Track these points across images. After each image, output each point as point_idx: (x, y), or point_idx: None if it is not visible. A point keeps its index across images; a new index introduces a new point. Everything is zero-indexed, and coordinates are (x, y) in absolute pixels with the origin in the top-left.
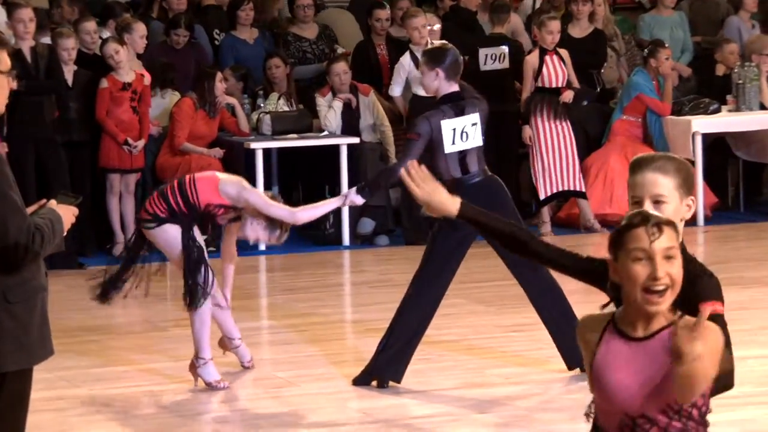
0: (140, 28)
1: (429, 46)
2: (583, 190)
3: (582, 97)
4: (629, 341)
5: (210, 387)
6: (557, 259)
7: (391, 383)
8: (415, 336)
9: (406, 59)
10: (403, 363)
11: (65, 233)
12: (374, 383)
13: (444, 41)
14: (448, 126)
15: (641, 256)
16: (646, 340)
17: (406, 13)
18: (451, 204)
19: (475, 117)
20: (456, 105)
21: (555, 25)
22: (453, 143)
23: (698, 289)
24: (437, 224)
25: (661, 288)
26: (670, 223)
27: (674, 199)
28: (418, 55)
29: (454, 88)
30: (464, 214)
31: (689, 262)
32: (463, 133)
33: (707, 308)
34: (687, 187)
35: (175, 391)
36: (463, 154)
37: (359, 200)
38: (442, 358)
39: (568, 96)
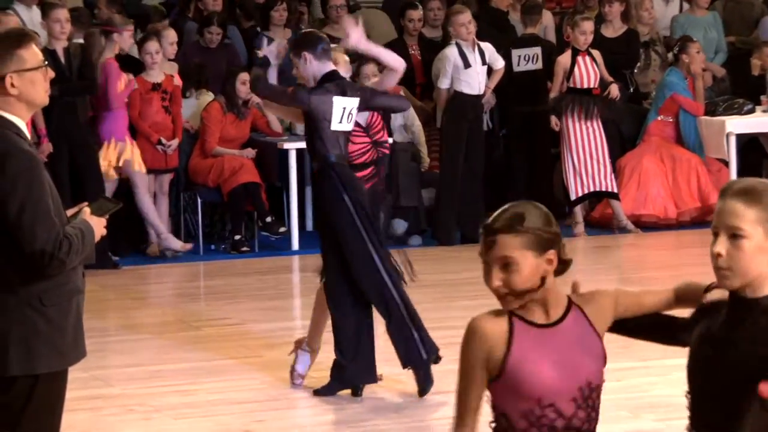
0: (170, 35)
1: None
2: (616, 190)
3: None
4: (531, 329)
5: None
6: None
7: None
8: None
9: (452, 52)
10: (371, 363)
11: (95, 243)
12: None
13: (311, 29)
14: (339, 103)
15: (483, 260)
16: (554, 325)
17: (451, 11)
18: None
19: (355, 101)
20: (337, 84)
21: (588, 26)
22: (340, 122)
23: None
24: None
25: (502, 293)
26: (508, 228)
27: (757, 234)
28: (467, 53)
29: (330, 67)
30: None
31: None
32: (349, 114)
33: None
34: None
35: (208, 390)
36: (344, 136)
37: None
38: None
39: (615, 90)
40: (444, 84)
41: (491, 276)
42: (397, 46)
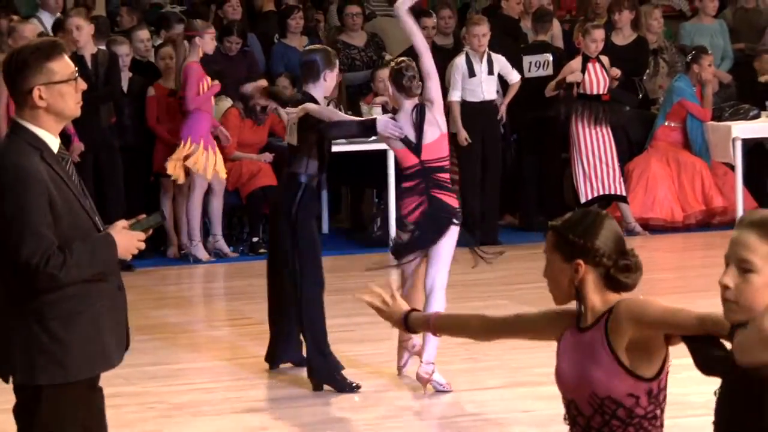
0: (143, 33)
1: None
2: (624, 193)
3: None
4: (576, 332)
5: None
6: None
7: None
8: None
9: (461, 61)
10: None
11: (121, 259)
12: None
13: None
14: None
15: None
16: (585, 331)
17: (469, 20)
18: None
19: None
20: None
21: (599, 34)
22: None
23: None
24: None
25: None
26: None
27: (767, 269)
28: (474, 62)
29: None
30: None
31: None
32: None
33: None
34: None
35: (227, 388)
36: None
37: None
38: (487, 358)
39: (616, 72)
40: (454, 96)
41: None
42: (411, 54)
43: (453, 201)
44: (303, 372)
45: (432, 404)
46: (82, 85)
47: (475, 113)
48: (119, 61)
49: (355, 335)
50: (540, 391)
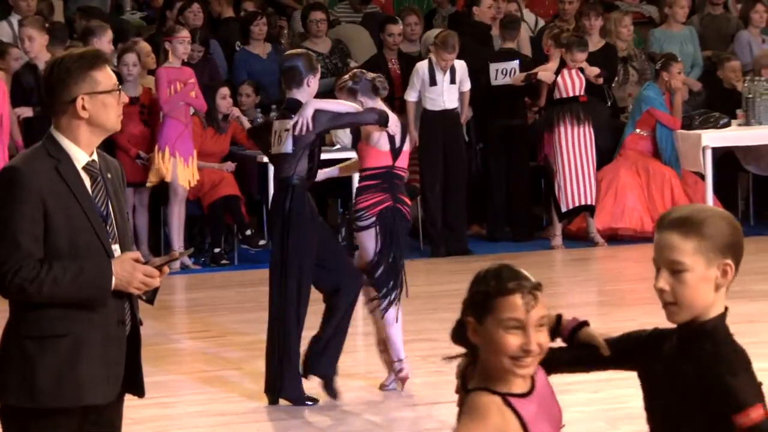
0: (145, 48)
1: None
2: (594, 204)
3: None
4: (527, 398)
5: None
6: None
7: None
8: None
9: (423, 66)
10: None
11: (114, 290)
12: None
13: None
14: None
15: (514, 325)
16: (534, 391)
17: (440, 42)
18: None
19: (288, 123)
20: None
21: (581, 57)
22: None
23: (729, 389)
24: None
25: (530, 358)
26: (540, 286)
27: (698, 264)
28: (436, 70)
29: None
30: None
31: (721, 345)
32: (278, 136)
33: (746, 421)
34: (721, 248)
35: (188, 403)
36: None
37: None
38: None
39: (594, 70)
40: (411, 96)
41: (529, 339)
42: (377, 60)
43: (408, 210)
44: (262, 386)
45: (398, 418)
46: (125, 98)
47: (436, 122)
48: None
49: None
50: None
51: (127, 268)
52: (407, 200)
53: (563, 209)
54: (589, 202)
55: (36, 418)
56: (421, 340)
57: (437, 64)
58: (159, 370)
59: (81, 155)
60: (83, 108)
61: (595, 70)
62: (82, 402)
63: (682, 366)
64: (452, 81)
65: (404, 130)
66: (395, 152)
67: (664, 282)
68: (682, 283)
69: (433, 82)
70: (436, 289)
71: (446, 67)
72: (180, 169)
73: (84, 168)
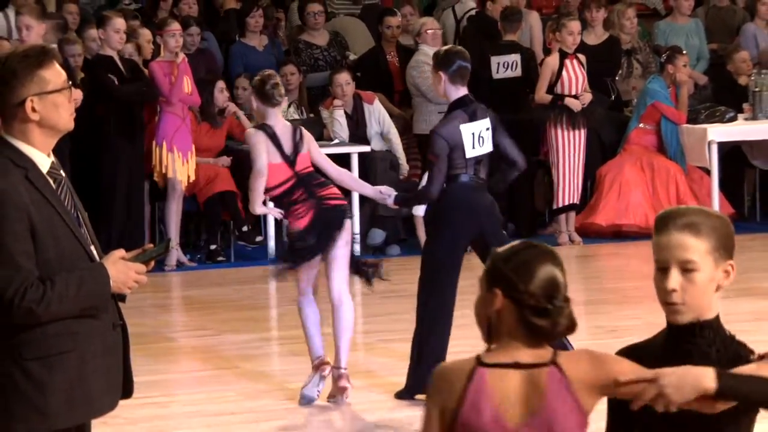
0: (146, 33)
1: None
2: (578, 203)
3: (595, 104)
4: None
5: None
6: None
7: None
8: (444, 345)
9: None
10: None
11: (114, 293)
12: (419, 396)
13: (452, 45)
14: (468, 130)
15: None
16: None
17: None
18: (705, 378)
19: (487, 122)
20: (467, 109)
21: (575, 26)
22: (473, 148)
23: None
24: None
25: None
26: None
27: (707, 265)
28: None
29: (462, 93)
30: (723, 387)
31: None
32: (479, 137)
33: None
34: (725, 250)
35: (183, 402)
36: (479, 159)
37: (390, 202)
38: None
39: (586, 98)
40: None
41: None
42: (375, 53)
43: (340, 201)
44: (259, 385)
45: (395, 418)
46: (77, 94)
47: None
48: (68, 60)
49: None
50: None
51: (121, 268)
52: (331, 190)
53: (556, 206)
54: (575, 201)
55: None
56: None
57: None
58: (154, 368)
59: (43, 160)
60: (33, 110)
61: (587, 99)
62: (93, 416)
63: (672, 364)
64: None
65: (297, 134)
66: (290, 161)
67: (675, 282)
68: (692, 282)
69: None
70: None
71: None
72: (178, 164)
73: (48, 173)
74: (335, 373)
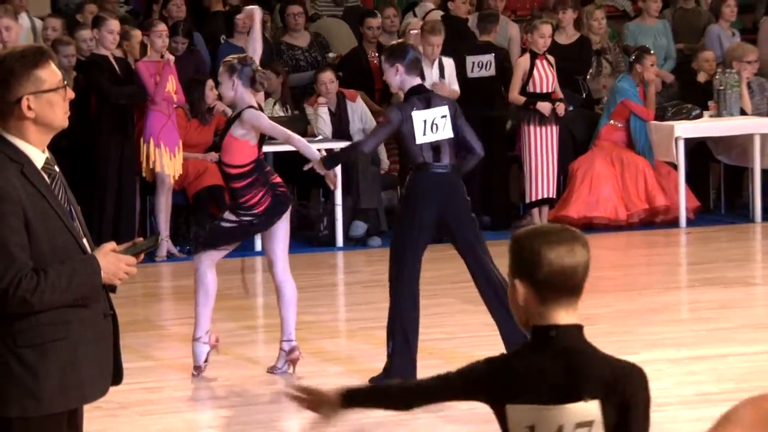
0: (137, 35)
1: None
2: (554, 197)
3: (567, 104)
4: None
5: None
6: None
7: None
8: (412, 333)
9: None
10: (412, 361)
11: (104, 284)
12: None
13: (402, 40)
14: (419, 117)
15: None
16: None
17: (426, 29)
18: (333, 402)
19: (444, 110)
20: (423, 97)
21: (547, 30)
22: (424, 134)
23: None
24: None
25: None
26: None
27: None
28: (425, 66)
29: (417, 81)
30: (349, 404)
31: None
32: (433, 125)
33: None
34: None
35: (174, 387)
36: (436, 144)
37: (322, 171)
38: (432, 357)
39: (561, 109)
40: None
41: None
42: (357, 53)
43: (285, 188)
44: (250, 371)
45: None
46: (71, 93)
47: None
48: (61, 60)
49: (301, 334)
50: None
51: (111, 260)
52: (278, 178)
53: (527, 200)
54: (550, 195)
55: (38, 425)
56: None
57: (424, 53)
58: (145, 355)
59: (38, 155)
60: (29, 108)
61: (560, 111)
62: (85, 401)
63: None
64: (441, 76)
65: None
66: (260, 144)
67: None
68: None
69: (421, 77)
70: None
71: (434, 55)
72: (166, 159)
73: (43, 168)
74: (287, 345)
